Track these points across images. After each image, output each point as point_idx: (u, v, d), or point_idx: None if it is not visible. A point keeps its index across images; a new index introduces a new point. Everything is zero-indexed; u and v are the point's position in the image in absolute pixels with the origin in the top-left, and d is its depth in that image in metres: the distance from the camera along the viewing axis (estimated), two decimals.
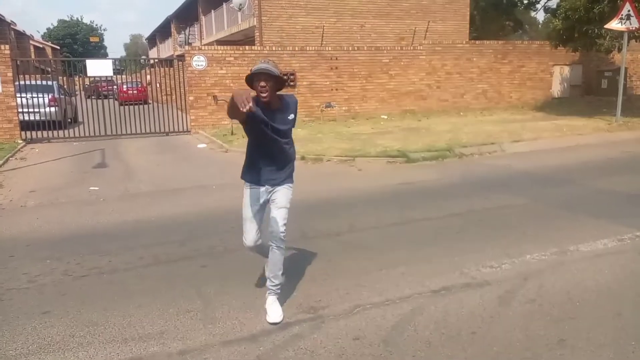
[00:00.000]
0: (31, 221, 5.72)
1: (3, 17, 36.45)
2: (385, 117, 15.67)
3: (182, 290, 3.70)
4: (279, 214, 3.31)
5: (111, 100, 15.31)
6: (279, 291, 3.36)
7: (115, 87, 23.72)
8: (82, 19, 71.22)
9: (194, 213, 5.89)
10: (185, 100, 14.35)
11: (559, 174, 7.54)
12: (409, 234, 4.95)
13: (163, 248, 4.65)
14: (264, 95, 3.13)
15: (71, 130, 13.45)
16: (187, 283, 3.82)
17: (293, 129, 3.49)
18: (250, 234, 3.37)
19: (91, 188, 7.39)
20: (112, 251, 4.59)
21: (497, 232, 4.89)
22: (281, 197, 3.36)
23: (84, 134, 13.15)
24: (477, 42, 18.43)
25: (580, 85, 19.04)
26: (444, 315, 3.25)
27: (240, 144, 11.15)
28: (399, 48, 16.69)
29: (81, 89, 25.51)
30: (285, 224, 3.32)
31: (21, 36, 40.21)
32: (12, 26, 39.31)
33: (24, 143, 12.03)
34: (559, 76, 18.59)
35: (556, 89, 18.64)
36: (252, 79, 3.16)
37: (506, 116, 15.30)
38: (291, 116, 3.37)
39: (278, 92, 3.29)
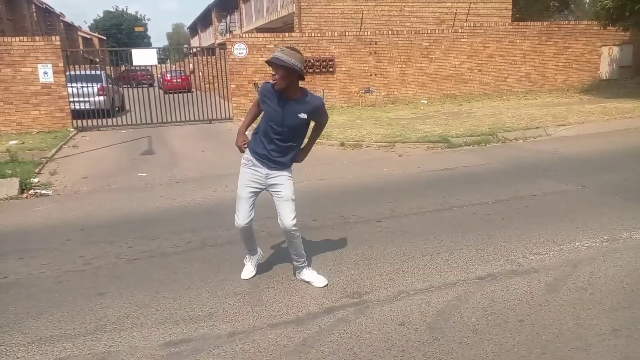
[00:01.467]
0: (84, 206, 5.97)
1: (52, 9, 37.75)
2: (425, 101, 15.44)
3: (229, 274, 3.80)
4: (287, 207, 3.37)
5: (155, 89, 15.65)
6: (306, 263, 3.62)
7: (148, 75, 24.00)
8: (126, 10, 72.89)
9: None
10: (227, 88, 14.55)
11: (608, 159, 7.27)
12: (451, 221, 4.90)
13: (210, 232, 4.78)
14: (275, 83, 3.24)
15: (119, 119, 13.89)
16: (233, 267, 3.92)
17: (322, 124, 3.57)
18: (242, 214, 3.45)
19: (139, 174, 7.64)
20: (161, 235, 4.76)
21: (543, 219, 4.77)
22: (285, 189, 3.39)
23: (131, 122, 13.56)
24: (520, 23, 17.82)
25: (631, 66, 18.17)
26: (490, 302, 3.22)
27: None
28: (439, 31, 16.35)
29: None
30: (295, 216, 3.39)
31: (70, 27, 41.59)
32: (61, 18, 40.67)
33: (75, 131, 12.52)
34: (607, 57, 17.80)
35: (604, 71, 17.87)
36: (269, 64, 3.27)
37: (551, 99, 14.81)
38: (303, 115, 3.30)
39: (303, 87, 3.37)
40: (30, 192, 6.66)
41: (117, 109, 15.70)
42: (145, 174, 7.65)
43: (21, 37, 13.00)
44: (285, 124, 3.30)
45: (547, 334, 2.85)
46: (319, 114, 3.45)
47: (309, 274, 3.59)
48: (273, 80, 3.26)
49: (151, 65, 14.80)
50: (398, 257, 4.01)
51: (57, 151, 9.66)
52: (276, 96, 3.29)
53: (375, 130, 10.31)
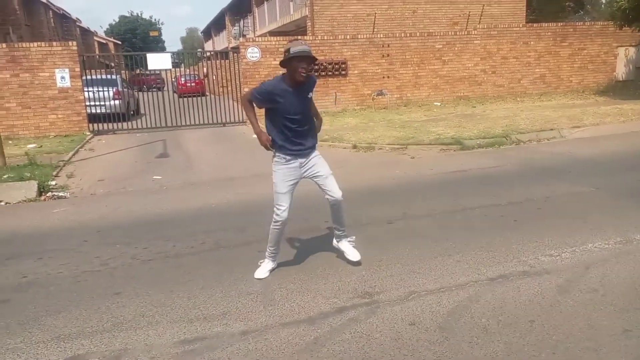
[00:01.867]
0: (100, 208, 6.09)
1: (69, 14, 38.35)
2: (439, 104, 15.40)
3: (242, 274, 3.86)
4: (332, 182, 3.66)
5: (169, 93, 15.82)
6: (346, 233, 3.91)
7: (159, 80, 24.13)
8: (141, 14, 73.70)
9: (252, 201, 6.08)
10: (240, 92, 14.67)
11: (623, 161, 7.21)
12: (463, 222, 4.91)
13: (223, 234, 4.85)
14: (304, 76, 3.36)
15: (134, 122, 14.07)
16: (246, 267, 3.97)
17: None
18: (285, 207, 3.60)
19: (155, 177, 7.76)
20: (175, 237, 4.84)
21: (556, 221, 4.76)
22: (322, 168, 3.66)
23: (146, 126, 13.73)
24: (534, 24, 17.70)
25: None
26: (501, 303, 3.23)
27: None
28: (452, 33, 16.30)
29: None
30: (338, 188, 3.67)
31: (86, 33, 42.19)
32: (77, 23, 41.31)
33: (91, 135, 12.72)
34: (623, 58, 17.57)
35: (620, 72, 17.65)
36: (290, 59, 3.32)
37: (565, 101, 14.69)
38: (310, 94, 3.58)
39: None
40: (48, 195, 6.80)
41: (132, 112, 15.91)
42: (160, 177, 7.76)
43: (39, 43, 13.27)
44: (301, 110, 3.50)
45: (557, 335, 2.86)
46: (314, 85, 3.64)
47: (347, 245, 3.89)
48: (303, 75, 3.35)
49: (162, 70, 14.89)
50: (409, 258, 4.03)
51: (74, 154, 9.84)
52: (291, 89, 3.42)
53: (388, 133, 10.32)
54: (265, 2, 26.28)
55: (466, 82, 16.14)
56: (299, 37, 15.29)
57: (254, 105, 3.62)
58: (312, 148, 3.67)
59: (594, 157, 7.57)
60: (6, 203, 6.53)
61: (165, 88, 15.00)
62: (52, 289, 3.78)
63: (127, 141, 11.83)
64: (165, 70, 14.39)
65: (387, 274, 3.75)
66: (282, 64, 3.40)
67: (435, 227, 4.80)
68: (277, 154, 3.62)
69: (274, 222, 3.66)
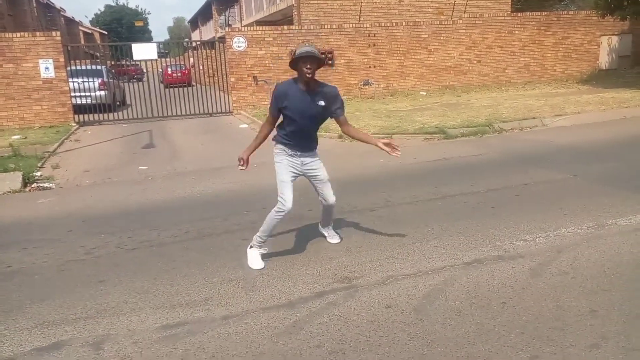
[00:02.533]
0: (86, 199, 6.11)
1: (53, 4, 37.77)
2: (424, 93, 15.51)
3: (225, 261, 3.94)
4: (327, 187, 3.90)
5: (155, 83, 15.73)
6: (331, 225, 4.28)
7: (138, 70, 23.95)
8: (127, 4, 72.92)
9: (236, 190, 6.14)
10: (226, 82, 14.65)
11: (602, 149, 7.37)
12: (443, 209, 5.02)
13: (207, 223, 4.92)
14: (309, 76, 3.51)
15: (120, 113, 14.02)
16: (229, 255, 4.05)
17: (342, 114, 3.86)
18: (289, 195, 3.67)
19: (140, 167, 7.78)
20: (160, 226, 4.89)
21: (533, 207, 4.89)
22: (321, 172, 3.85)
23: (132, 116, 13.68)
24: (518, 14, 17.82)
25: (630, 55, 18.17)
26: (475, 286, 3.35)
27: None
28: (438, 22, 16.38)
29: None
30: (333, 193, 3.93)
31: (71, 22, 41.61)
32: (62, 13, 40.71)
33: (77, 126, 12.66)
34: (606, 47, 17.80)
35: (603, 61, 17.88)
36: (295, 60, 3.53)
37: (549, 90, 14.87)
38: (321, 103, 3.65)
39: (318, 80, 3.69)
40: (33, 186, 6.80)
41: (118, 103, 15.82)
42: (145, 167, 7.78)
43: (22, 33, 13.12)
44: (309, 114, 3.64)
45: (527, 315, 2.97)
46: (335, 100, 3.73)
47: (329, 231, 4.26)
48: (308, 74, 3.49)
49: (144, 60, 14.72)
50: (389, 244, 4.14)
51: (59, 145, 9.80)
52: (298, 91, 3.61)
53: (374, 122, 10.40)
54: None
55: (452, 71, 16.26)
56: (285, 27, 15.27)
57: (272, 119, 3.78)
58: (314, 151, 3.86)
59: (574, 145, 7.72)
60: None
61: (151, 78, 14.87)
62: (37, 277, 3.83)
63: (113, 132, 11.79)
64: (151, 60, 14.27)
65: (367, 259, 3.85)
66: (291, 65, 3.61)
67: (416, 214, 4.90)
68: (277, 146, 3.79)
69: (278, 211, 3.68)
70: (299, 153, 3.76)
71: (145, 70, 18.91)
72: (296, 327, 2.94)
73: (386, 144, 3.68)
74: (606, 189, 5.38)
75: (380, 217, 4.88)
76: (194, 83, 22.04)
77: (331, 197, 3.91)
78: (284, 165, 3.75)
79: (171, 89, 15.58)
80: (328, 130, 9.73)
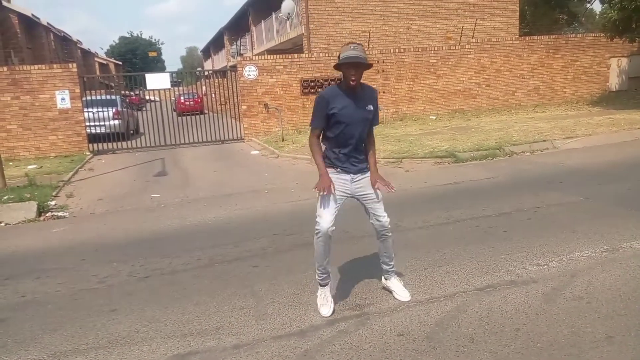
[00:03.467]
0: (99, 227, 6.18)
1: (70, 37, 38.83)
2: (434, 117, 15.56)
3: (236, 289, 3.94)
4: (380, 207, 3.46)
5: (169, 112, 16.00)
6: (395, 268, 3.70)
7: (141, 99, 24.42)
8: (141, 35, 74.67)
9: (247, 216, 6.17)
10: (238, 109, 14.85)
11: (614, 170, 7.31)
12: (455, 234, 4.99)
13: (218, 250, 4.94)
14: (354, 83, 3.21)
15: (134, 141, 14.23)
16: (240, 282, 4.05)
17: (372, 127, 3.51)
18: (328, 217, 3.29)
19: (153, 195, 7.86)
20: (172, 253, 4.92)
21: (545, 231, 4.84)
22: (373, 190, 3.44)
23: (146, 145, 13.89)
24: (527, 37, 17.94)
25: None
26: (488, 312, 3.30)
27: (290, 149, 11.45)
28: (446, 48, 16.53)
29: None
30: (386, 214, 3.49)
31: (87, 54, 42.68)
32: (78, 45, 41.81)
33: (91, 154, 12.86)
34: (616, 69, 17.78)
35: (613, 82, 17.84)
36: (339, 65, 3.20)
37: (559, 112, 14.84)
38: (370, 107, 3.35)
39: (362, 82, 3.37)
40: (47, 215, 6.90)
41: (131, 132, 16.07)
42: (158, 195, 7.86)
43: (39, 65, 13.48)
44: (358, 118, 3.30)
45: (541, 342, 2.93)
46: (375, 102, 3.43)
47: (396, 284, 3.65)
48: (352, 82, 3.19)
49: (155, 90, 14.77)
50: (400, 269, 4.09)
51: (73, 174, 9.95)
52: (345, 95, 3.28)
53: (383, 147, 10.44)
54: (262, 21, 26.62)
55: (461, 95, 16.32)
56: (295, 56, 15.51)
57: (317, 130, 3.39)
58: (365, 167, 3.46)
59: (585, 167, 7.67)
60: (6, 224, 6.63)
61: (164, 106, 15.11)
62: (50, 307, 3.86)
63: (127, 160, 11.96)
64: (164, 89, 14.53)
65: (378, 286, 3.83)
66: (336, 67, 3.28)
67: (427, 239, 4.88)
68: (326, 164, 3.41)
69: (315, 233, 3.35)
70: (349, 167, 3.37)
71: (150, 98, 19.40)
72: (307, 356, 2.92)
73: (382, 184, 3.42)
74: (619, 211, 5.32)
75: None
76: (206, 111, 22.37)
77: (384, 218, 3.44)
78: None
79: (184, 117, 15.83)
80: None
